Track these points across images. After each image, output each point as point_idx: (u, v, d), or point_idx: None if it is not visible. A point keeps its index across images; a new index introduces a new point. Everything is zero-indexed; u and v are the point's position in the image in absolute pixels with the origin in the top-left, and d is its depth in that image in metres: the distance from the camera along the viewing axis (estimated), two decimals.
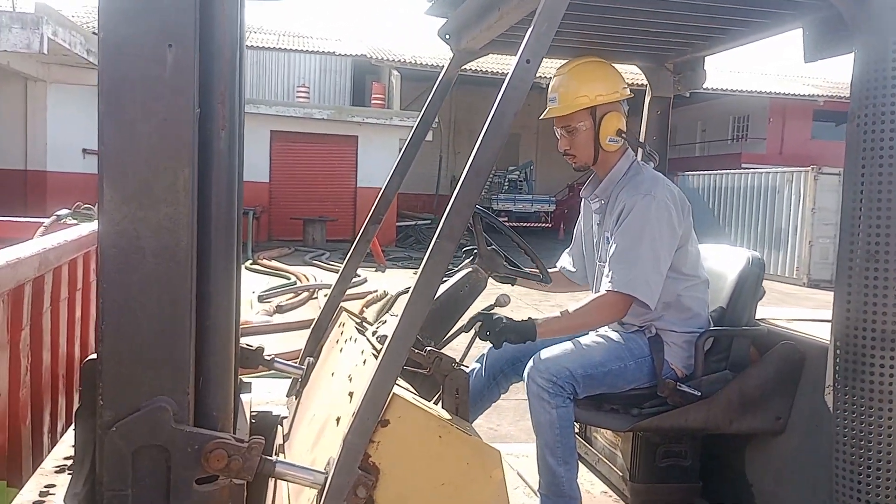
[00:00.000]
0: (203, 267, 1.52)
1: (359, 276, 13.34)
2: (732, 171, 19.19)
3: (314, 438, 1.89)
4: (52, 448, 2.76)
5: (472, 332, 2.05)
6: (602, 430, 2.85)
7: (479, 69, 22.28)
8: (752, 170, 18.85)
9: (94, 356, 1.56)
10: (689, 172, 20.54)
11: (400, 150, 19.50)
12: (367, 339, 1.96)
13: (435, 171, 26.29)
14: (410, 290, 1.51)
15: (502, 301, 2.07)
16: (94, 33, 18.03)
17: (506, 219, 23.83)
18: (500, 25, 2.13)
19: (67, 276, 2.99)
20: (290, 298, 10.43)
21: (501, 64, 22.84)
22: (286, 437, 2.17)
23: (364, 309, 9.71)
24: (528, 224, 24.05)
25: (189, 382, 1.50)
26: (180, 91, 1.43)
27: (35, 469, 2.51)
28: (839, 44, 1.93)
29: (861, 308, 1.73)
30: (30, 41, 11.24)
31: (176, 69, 1.42)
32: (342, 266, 2.58)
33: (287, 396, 2.48)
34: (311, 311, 9.99)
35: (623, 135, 2.43)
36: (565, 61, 2.52)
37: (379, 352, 1.84)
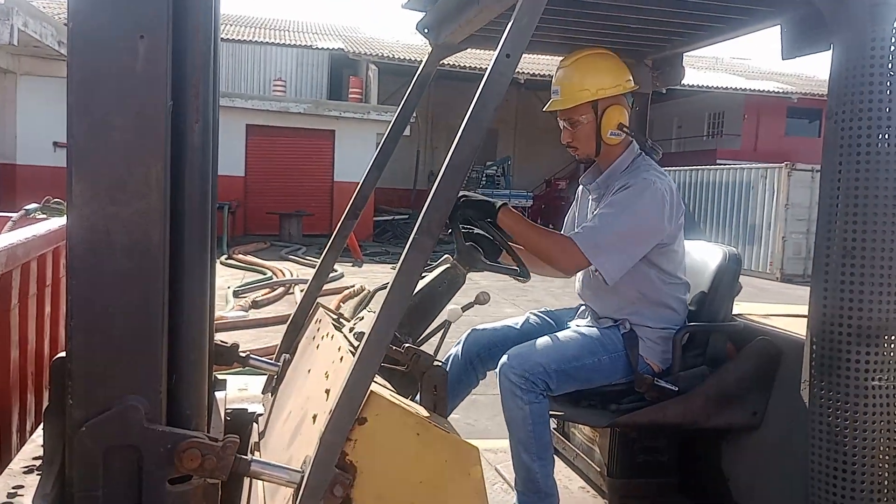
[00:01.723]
0: (176, 263, 1.49)
1: (336, 271, 13.27)
2: (707, 166, 19.36)
3: (290, 436, 1.87)
4: (21, 448, 2.71)
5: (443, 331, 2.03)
6: (580, 426, 2.85)
7: (456, 64, 22.26)
8: (726, 166, 19.05)
9: (63, 354, 1.53)
10: (665, 168, 20.66)
11: (377, 144, 19.39)
12: (344, 336, 1.94)
13: (412, 167, 26.24)
14: (388, 286, 1.50)
15: (482, 298, 2.05)
16: (64, 24, 17.81)
17: None
18: (479, 20, 2.12)
19: (36, 272, 2.91)
20: (266, 294, 10.37)
21: (479, 59, 22.83)
22: (262, 435, 2.15)
23: (341, 304, 9.66)
24: None
25: (161, 380, 1.47)
26: (152, 83, 1.40)
27: (2, 469, 2.46)
28: (817, 41, 1.93)
29: (837, 303, 1.74)
30: None
31: (148, 60, 1.39)
32: (319, 261, 2.55)
33: (262, 394, 2.45)
34: (287, 306, 9.93)
35: (624, 128, 2.43)
36: (568, 53, 2.50)
37: (356, 349, 1.82)
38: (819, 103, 26.18)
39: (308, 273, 13.19)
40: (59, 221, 3.40)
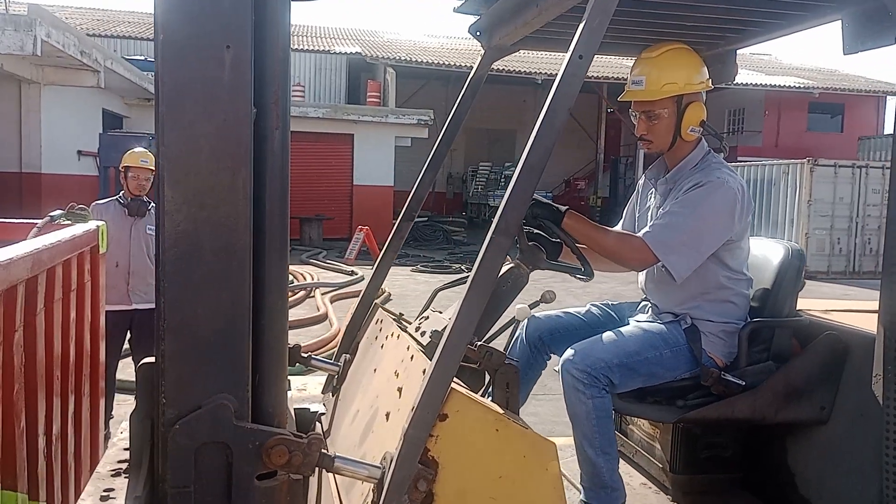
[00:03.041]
0: (258, 266, 1.54)
1: (356, 273, 13.36)
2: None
3: (360, 434, 1.90)
4: (47, 451, 2.75)
5: (512, 328, 2.06)
6: (639, 422, 2.87)
7: (473, 65, 22.29)
8: (748, 162, 18.93)
9: (149, 359, 1.58)
10: None
11: (395, 147, 19.33)
12: (411, 336, 1.98)
13: None
14: (467, 285, 1.53)
15: (548, 297, 2.08)
16: (87, 34, 17.93)
17: None
18: (537, 21, 2.14)
19: (62, 277, 2.95)
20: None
21: (502, 61, 22.81)
22: (326, 434, 2.19)
23: None
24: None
25: (248, 380, 1.52)
26: (238, 92, 1.44)
27: (29, 470, 2.50)
28: (882, 35, 1.93)
29: None
30: (23, 43, 11.18)
31: (234, 70, 1.43)
32: (375, 264, 2.59)
33: (322, 393, 2.50)
34: (308, 309, 9.99)
35: (705, 125, 2.45)
36: (625, 52, 2.50)
37: (425, 347, 1.86)
38: (841, 98, 25.99)
39: (329, 276, 13.27)
40: (83, 227, 3.46)
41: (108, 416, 4.77)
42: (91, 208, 4.97)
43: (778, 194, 16.68)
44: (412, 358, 1.82)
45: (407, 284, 12.80)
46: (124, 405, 5.17)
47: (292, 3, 1.64)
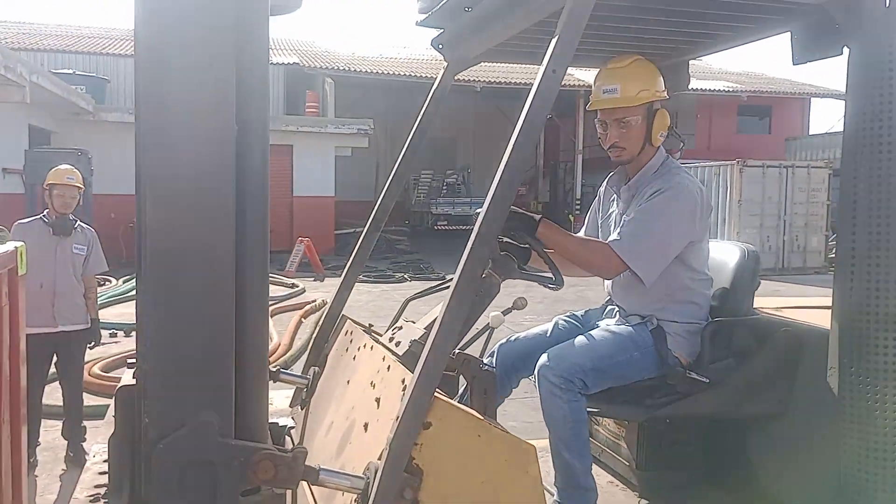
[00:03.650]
0: (240, 282, 1.54)
1: (297, 286, 13.19)
2: None
3: (337, 446, 1.92)
4: None
5: (486, 335, 2.09)
6: (605, 422, 2.94)
7: (412, 74, 22.40)
8: (682, 164, 19.42)
9: (127, 382, 1.56)
10: None
11: (335, 157, 18.99)
12: (386, 346, 2.00)
13: (371, 179, 26.23)
14: (449, 295, 1.56)
15: (519, 304, 2.12)
16: (11, 49, 17.24)
17: (445, 222, 23.97)
18: (500, 35, 2.19)
19: None
20: None
21: (437, 69, 22.92)
22: (303, 446, 2.19)
23: (302, 319, 9.56)
24: (468, 227, 24.05)
25: (231, 395, 1.52)
26: (221, 110, 1.45)
27: None
28: (829, 46, 2.05)
29: (864, 294, 1.87)
30: None
31: (217, 89, 1.44)
32: (342, 276, 2.60)
33: (291, 407, 2.49)
34: None
35: (673, 131, 2.54)
36: (586, 64, 2.56)
37: (402, 357, 1.88)
38: (768, 101, 26.97)
39: (270, 290, 12.98)
40: (2, 248, 3.31)
41: (35, 444, 4.62)
42: (13, 228, 4.79)
43: (711, 195, 17.07)
44: (389, 368, 1.84)
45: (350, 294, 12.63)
46: (52, 431, 4.99)
47: (270, 17, 1.65)
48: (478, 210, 1.62)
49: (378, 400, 1.80)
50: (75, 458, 4.73)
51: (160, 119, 1.41)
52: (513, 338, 2.67)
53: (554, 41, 1.59)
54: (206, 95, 1.42)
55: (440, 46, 2.54)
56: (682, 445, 2.75)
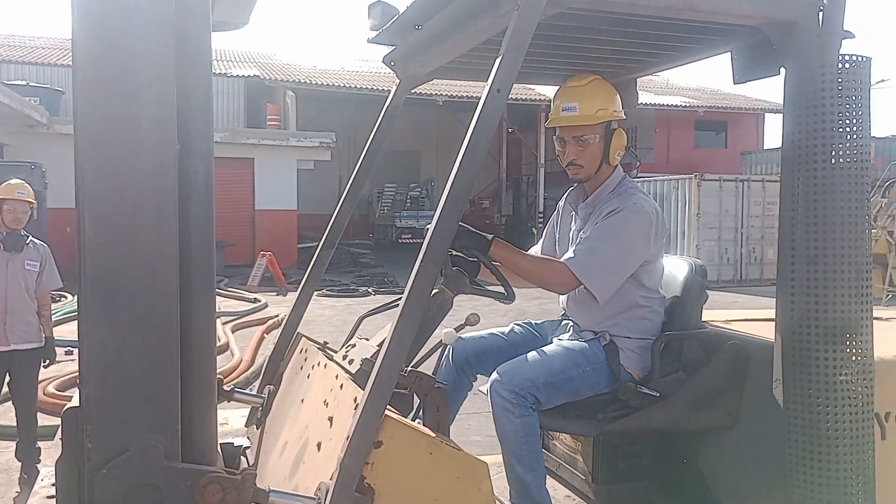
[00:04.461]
0: (184, 302, 1.52)
1: (259, 301, 13.05)
2: None
3: (291, 466, 1.90)
4: None
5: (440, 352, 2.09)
6: (561, 437, 2.96)
7: (374, 88, 22.41)
8: (641, 178, 19.74)
9: (75, 403, 1.53)
10: None
11: (297, 170, 18.86)
12: (339, 364, 1.99)
13: (335, 191, 26.12)
14: (398, 313, 1.56)
15: (472, 320, 2.13)
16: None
17: (409, 235, 23.96)
18: (450, 53, 2.22)
19: None
20: None
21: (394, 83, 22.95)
22: (253, 467, 2.16)
23: (264, 335, 9.45)
24: None
25: (177, 418, 1.50)
26: (162, 129, 1.43)
27: None
28: (767, 66, 2.11)
29: (804, 307, 1.92)
30: None
31: (158, 107, 1.43)
32: (297, 293, 2.58)
33: (246, 426, 2.46)
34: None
35: (630, 150, 2.57)
36: (574, 75, 2.58)
37: (354, 375, 1.88)
38: (724, 115, 27.53)
39: (231, 305, 12.88)
40: None
41: None
42: None
43: (670, 208, 17.44)
44: (342, 387, 1.83)
45: (313, 309, 12.40)
46: (5, 452, 4.87)
47: (212, 34, 1.64)
48: (428, 225, 1.63)
49: (331, 419, 1.79)
50: (29, 479, 4.58)
51: (100, 136, 1.39)
52: (465, 336, 2.67)
53: (498, 61, 1.61)
54: (148, 112, 1.41)
55: (392, 63, 2.55)
56: (637, 458, 2.77)
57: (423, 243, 1.60)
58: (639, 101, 2.84)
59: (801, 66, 1.94)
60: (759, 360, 2.31)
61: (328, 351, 2.25)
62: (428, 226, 1.53)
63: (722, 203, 17.09)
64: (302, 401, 2.07)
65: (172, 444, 1.48)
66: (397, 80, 2.62)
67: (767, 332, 2.23)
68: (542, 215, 24.62)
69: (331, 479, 1.52)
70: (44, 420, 5.24)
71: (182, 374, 1.52)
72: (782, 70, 2.03)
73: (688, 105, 25.70)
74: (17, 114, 14.95)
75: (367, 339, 2.11)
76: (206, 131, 1.57)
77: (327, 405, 1.86)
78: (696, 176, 17.00)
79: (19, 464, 4.68)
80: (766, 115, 28.70)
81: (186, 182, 1.52)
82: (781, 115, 2.00)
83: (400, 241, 23.84)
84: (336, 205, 2.74)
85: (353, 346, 2.08)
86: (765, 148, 27.74)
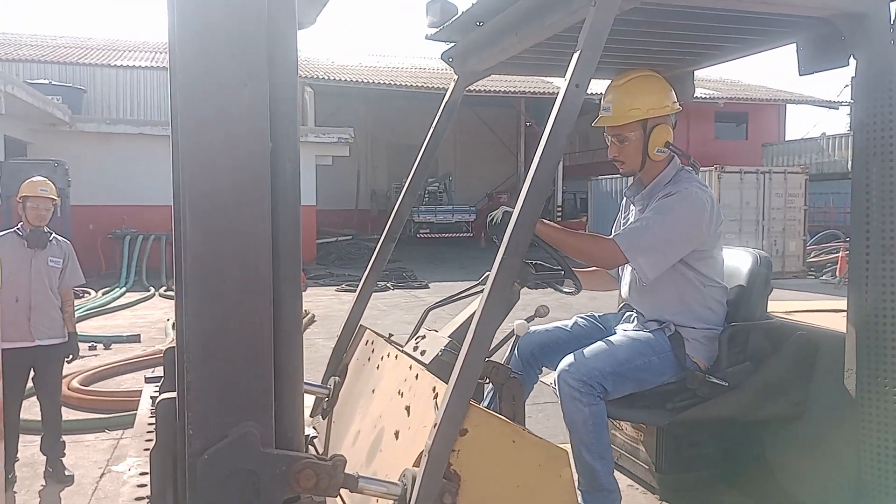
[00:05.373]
0: (276, 293, 1.57)
1: None
2: None
3: (367, 454, 1.94)
4: None
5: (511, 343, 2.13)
6: (622, 426, 2.99)
7: (393, 83, 22.44)
8: None
9: (169, 395, 1.58)
10: (602, 176, 21.26)
11: (317, 166, 18.91)
12: (411, 356, 2.03)
13: (353, 187, 26.21)
14: (481, 304, 1.60)
15: (542, 311, 2.16)
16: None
17: (427, 230, 23.99)
18: (513, 49, 2.24)
19: None
20: None
21: (416, 78, 23.00)
22: (340, 455, 2.21)
23: None
24: (450, 235, 24.25)
25: (272, 406, 1.55)
26: (256, 127, 1.48)
27: None
28: (835, 57, 2.13)
29: (879, 298, 1.93)
30: None
31: (252, 106, 1.47)
32: (359, 286, 2.63)
33: (311, 416, 2.51)
34: None
35: (670, 146, 2.61)
36: (599, 76, 2.62)
37: (429, 365, 1.92)
38: (744, 107, 27.34)
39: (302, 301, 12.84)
40: None
41: (13, 460, 4.57)
42: None
43: None
44: (417, 377, 1.88)
45: (332, 305, 12.59)
46: (31, 446, 4.93)
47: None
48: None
49: (408, 408, 1.83)
50: (54, 473, 4.71)
51: (199, 136, 1.44)
52: (530, 330, 2.71)
53: (576, 56, 1.65)
54: (243, 111, 1.45)
55: (450, 60, 2.59)
56: (701, 448, 2.80)
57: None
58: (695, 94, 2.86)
59: (872, 57, 1.96)
60: (827, 350, 2.33)
61: (395, 343, 2.29)
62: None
63: (743, 195, 16.99)
64: (373, 391, 2.11)
65: (267, 431, 1.53)
66: (455, 77, 2.66)
67: (833, 322, 2.25)
68: (560, 209, 24.59)
69: (416, 466, 1.57)
70: (68, 415, 5.34)
71: (274, 364, 1.56)
72: (851, 61, 2.04)
73: (708, 97, 25.54)
74: (39, 112, 15.11)
75: (436, 331, 2.16)
76: (293, 128, 1.62)
77: (402, 395, 1.90)
78: (716, 168, 16.91)
79: (44, 458, 4.78)
80: (788, 106, 28.47)
81: (276, 178, 1.56)
82: (850, 106, 2.03)
83: (418, 236, 23.87)
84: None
85: (423, 337, 2.12)
86: (786, 139, 27.54)
